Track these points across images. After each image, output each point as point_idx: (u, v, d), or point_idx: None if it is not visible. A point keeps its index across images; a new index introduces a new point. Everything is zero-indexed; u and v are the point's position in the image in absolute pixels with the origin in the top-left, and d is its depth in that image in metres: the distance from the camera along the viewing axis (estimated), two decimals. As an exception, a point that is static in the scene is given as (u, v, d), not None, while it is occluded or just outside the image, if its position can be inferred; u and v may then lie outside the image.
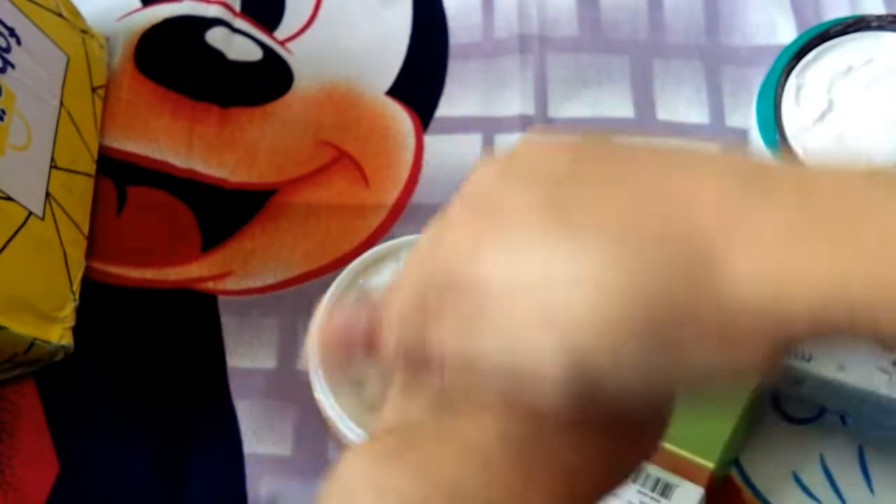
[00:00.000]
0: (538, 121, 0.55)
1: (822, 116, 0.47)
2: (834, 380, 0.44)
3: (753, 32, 0.58)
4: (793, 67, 0.48)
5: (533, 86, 0.56)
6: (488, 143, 0.55)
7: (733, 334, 0.20)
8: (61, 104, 0.49)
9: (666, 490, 0.41)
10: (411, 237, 0.44)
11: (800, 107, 0.47)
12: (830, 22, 0.49)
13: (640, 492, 0.41)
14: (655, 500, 0.41)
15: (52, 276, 0.46)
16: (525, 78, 0.56)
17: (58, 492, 0.46)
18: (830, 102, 0.47)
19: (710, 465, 0.41)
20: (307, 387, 0.48)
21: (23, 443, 0.47)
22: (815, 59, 0.48)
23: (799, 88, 0.48)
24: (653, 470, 0.42)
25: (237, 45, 0.57)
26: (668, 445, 0.42)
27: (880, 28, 0.48)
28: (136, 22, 0.58)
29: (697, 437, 0.42)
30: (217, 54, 0.57)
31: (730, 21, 0.58)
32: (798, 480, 0.46)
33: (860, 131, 0.47)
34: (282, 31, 0.58)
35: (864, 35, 0.48)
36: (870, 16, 0.48)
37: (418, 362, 0.25)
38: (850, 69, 0.48)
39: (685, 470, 0.41)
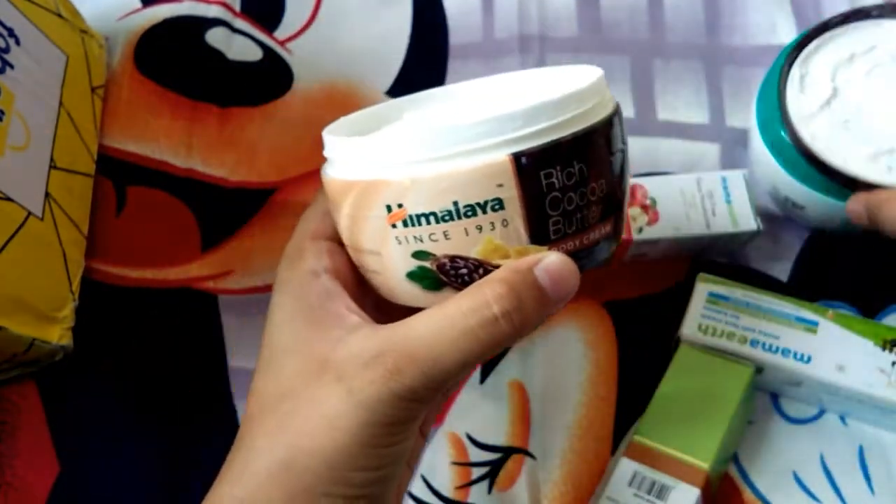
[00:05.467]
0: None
1: (828, 102, 0.47)
2: (833, 381, 0.44)
3: (753, 32, 0.58)
4: (795, 58, 0.48)
5: (533, 86, 0.56)
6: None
7: None
8: (60, 104, 0.49)
9: (662, 492, 0.41)
10: (410, 97, 0.40)
11: (804, 94, 0.47)
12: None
13: (635, 494, 0.41)
14: (651, 502, 0.41)
15: (51, 276, 0.46)
16: (525, 78, 0.56)
17: (58, 492, 0.46)
18: (835, 90, 0.47)
19: (705, 465, 0.41)
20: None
21: (23, 443, 0.47)
22: (816, 49, 0.48)
23: (802, 77, 0.47)
24: (648, 472, 0.42)
25: (237, 45, 0.57)
26: (662, 447, 0.42)
27: (880, 17, 0.48)
28: (136, 22, 0.58)
29: (691, 438, 0.42)
30: (217, 54, 0.57)
31: (730, 21, 0.58)
32: (798, 480, 0.46)
33: (866, 116, 0.46)
34: (282, 31, 0.58)
35: (865, 24, 0.48)
36: (869, 6, 0.48)
37: None
38: (852, 56, 0.48)
39: (680, 471, 0.41)
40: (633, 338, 0.49)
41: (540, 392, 0.48)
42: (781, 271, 0.51)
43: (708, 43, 0.57)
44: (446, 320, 0.29)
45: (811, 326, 0.45)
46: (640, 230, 0.47)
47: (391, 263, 0.31)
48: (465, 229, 0.29)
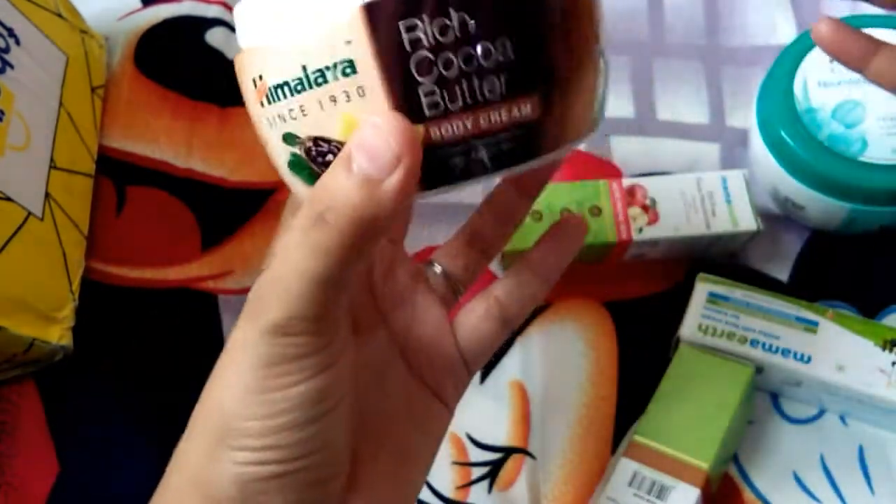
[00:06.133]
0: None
1: None
2: (833, 381, 0.44)
3: (753, 32, 0.58)
4: None
5: (533, 86, 0.56)
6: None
7: None
8: (60, 104, 0.49)
9: (662, 492, 0.41)
10: None
11: None
12: None
13: (635, 494, 0.41)
14: (651, 502, 0.41)
15: (51, 276, 0.46)
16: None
17: (58, 492, 0.46)
18: None
19: (705, 465, 0.41)
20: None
21: (23, 443, 0.47)
22: None
23: None
24: (648, 472, 0.42)
25: (237, 44, 0.57)
26: (662, 447, 0.42)
27: None
28: (136, 22, 0.58)
29: (692, 438, 0.42)
30: (217, 54, 0.57)
31: (730, 21, 0.58)
32: (798, 480, 0.46)
33: None
34: (282, 31, 0.58)
35: None
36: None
37: None
38: None
39: (680, 471, 0.41)
40: (633, 338, 0.49)
41: (540, 392, 0.48)
42: (781, 271, 0.51)
43: (708, 43, 0.57)
44: (284, 240, 0.26)
45: (811, 326, 0.45)
46: (640, 230, 0.47)
47: (273, 153, 0.27)
48: (320, 102, 0.24)
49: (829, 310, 0.45)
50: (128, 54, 0.57)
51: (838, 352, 0.44)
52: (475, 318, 0.35)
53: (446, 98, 0.24)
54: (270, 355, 0.27)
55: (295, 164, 0.26)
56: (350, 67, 0.23)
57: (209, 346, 0.50)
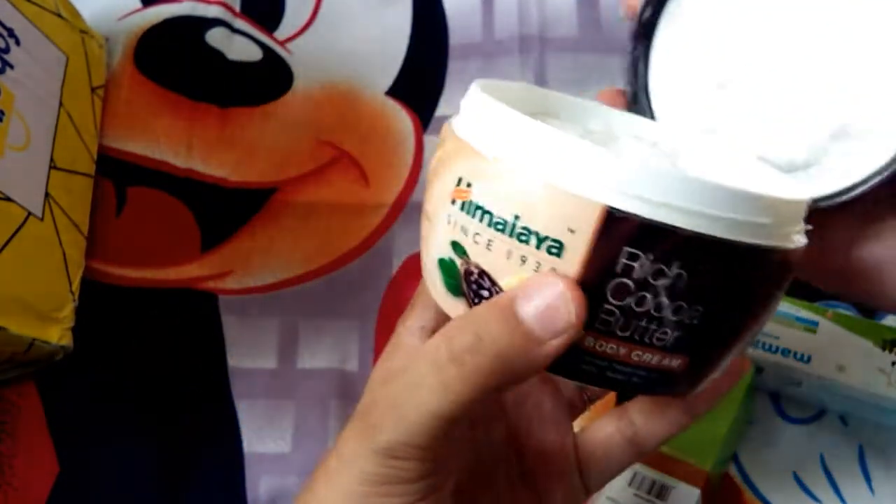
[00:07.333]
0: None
1: None
2: (833, 380, 0.44)
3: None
4: None
5: (533, 86, 0.56)
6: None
7: None
8: (60, 104, 0.49)
9: (662, 492, 0.41)
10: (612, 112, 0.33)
11: None
12: None
13: (635, 494, 0.41)
14: (651, 502, 0.41)
15: (51, 276, 0.46)
16: (525, 78, 0.56)
17: (58, 492, 0.46)
18: None
19: (706, 465, 0.41)
20: (306, 385, 0.48)
21: (23, 443, 0.47)
22: None
23: None
24: (648, 472, 0.42)
25: (237, 45, 0.57)
26: (662, 447, 0.42)
27: None
28: (136, 22, 0.58)
29: (692, 439, 0.42)
30: (217, 54, 0.57)
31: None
32: (798, 480, 0.46)
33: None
34: (282, 31, 0.58)
35: None
36: None
37: None
38: None
39: (680, 471, 0.41)
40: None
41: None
42: (781, 271, 0.51)
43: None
44: (411, 366, 0.26)
45: (811, 326, 0.45)
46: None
47: (432, 239, 0.27)
48: (510, 252, 0.24)
49: (829, 310, 0.45)
50: (128, 54, 0.57)
51: (838, 352, 0.44)
52: (604, 435, 0.33)
53: (619, 324, 0.24)
54: (376, 474, 0.26)
55: (445, 267, 0.26)
56: (557, 250, 0.23)
57: (209, 346, 0.50)
